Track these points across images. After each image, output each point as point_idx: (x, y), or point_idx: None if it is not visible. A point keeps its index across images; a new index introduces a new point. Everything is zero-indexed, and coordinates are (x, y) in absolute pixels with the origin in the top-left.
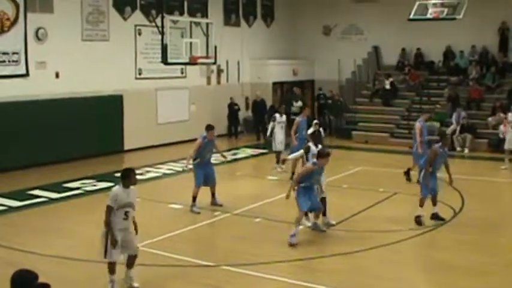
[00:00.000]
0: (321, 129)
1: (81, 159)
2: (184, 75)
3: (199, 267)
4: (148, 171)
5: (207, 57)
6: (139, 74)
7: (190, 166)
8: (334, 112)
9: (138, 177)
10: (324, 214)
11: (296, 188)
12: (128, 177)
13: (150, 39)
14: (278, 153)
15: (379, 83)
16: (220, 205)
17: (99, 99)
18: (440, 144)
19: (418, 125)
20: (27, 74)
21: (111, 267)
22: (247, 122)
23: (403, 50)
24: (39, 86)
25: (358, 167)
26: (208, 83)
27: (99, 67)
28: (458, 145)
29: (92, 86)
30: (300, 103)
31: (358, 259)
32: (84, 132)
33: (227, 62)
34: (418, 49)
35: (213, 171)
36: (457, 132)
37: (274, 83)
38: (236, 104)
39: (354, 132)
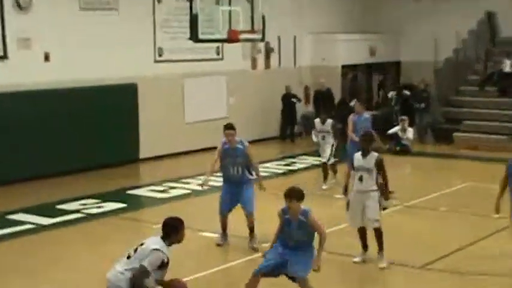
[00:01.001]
0: (409, 128)
1: (81, 172)
2: (220, 56)
3: None
4: (172, 188)
5: (251, 31)
6: (160, 55)
7: (206, 186)
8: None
9: (159, 195)
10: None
11: None
12: (176, 232)
13: (174, 8)
14: (325, 166)
15: (494, 65)
16: (255, 249)
17: (104, 90)
18: None
19: None
20: (4, 56)
21: None
22: (308, 120)
23: None
24: (22, 73)
25: (463, 182)
26: (254, 67)
27: (104, 47)
28: None
29: (95, 73)
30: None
31: None
32: (84, 136)
33: (279, 39)
34: None
35: (244, 192)
36: None
37: (345, 67)
38: (294, 96)
39: (456, 134)
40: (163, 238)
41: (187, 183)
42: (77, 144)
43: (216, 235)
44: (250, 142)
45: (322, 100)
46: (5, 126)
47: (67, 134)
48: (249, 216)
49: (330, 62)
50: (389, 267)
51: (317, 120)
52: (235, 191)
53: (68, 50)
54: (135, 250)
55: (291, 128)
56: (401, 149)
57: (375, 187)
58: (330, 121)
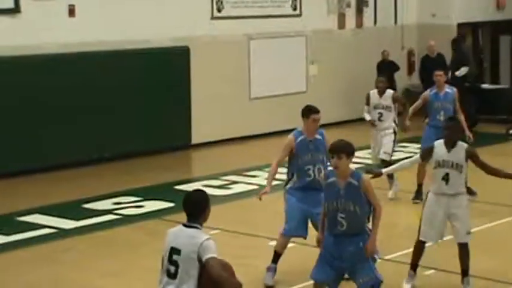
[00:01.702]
0: None
1: (115, 160)
2: (298, 12)
3: None
4: (234, 182)
5: None
6: (219, 10)
7: (266, 192)
8: None
9: (217, 191)
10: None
11: None
12: (204, 210)
13: None
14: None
15: None
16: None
17: (146, 55)
18: None
19: None
20: (17, 10)
21: None
22: (412, 95)
23: None
24: (40, 30)
25: None
26: (341, 26)
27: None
28: None
29: (134, 32)
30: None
31: None
32: (119, 115)
33: None
34: None
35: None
36: None
37: (461, 25)
38: (392, 63)
39: None
40: (194, 223)
41: (253, 176)
42: (110, 126)
43: (292, 244)
44: (336, 124)
45: (432, 69)
46: (16, 101)
47: (96, 112)
48: None
49: (443, 18)
50: None
51: (373, 92)
52: (310, 196)
53: (100, 4)
54: (173, 262)
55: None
56: None
57: (463, 189)
58: (390, 92)
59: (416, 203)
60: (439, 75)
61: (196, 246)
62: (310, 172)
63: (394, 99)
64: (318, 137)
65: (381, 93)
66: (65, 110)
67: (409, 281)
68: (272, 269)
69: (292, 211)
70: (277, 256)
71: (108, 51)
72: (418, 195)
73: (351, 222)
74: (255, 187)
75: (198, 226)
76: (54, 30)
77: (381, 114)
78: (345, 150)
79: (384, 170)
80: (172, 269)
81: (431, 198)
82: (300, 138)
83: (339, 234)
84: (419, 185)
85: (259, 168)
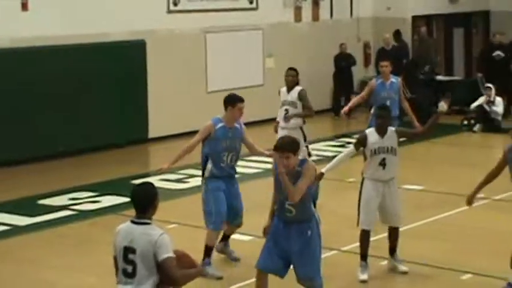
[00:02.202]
0: (497, 98)
1: (72, 155)
2: (254, 5)
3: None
4: (191, 176)
5: None
6: (175, 4)
7: (161, 168)
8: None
9: (174, 185)
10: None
11: None
12: (153, 203)
13: None
14: None
15: None
16: (236, 259)
17: (103, 48)
18: None
19: None
20: None
21: None
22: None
23: None
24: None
25: None
26: (298, 19)
27: None
28: None
29: (91, 26)
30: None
31: None
32: (77, 110)
33: None
34: None
35: (237, 192)
36: None
37: (416, 17)
38: (350, 56)
39: None
40: (143, 219)
41: None
42: (66, 120)
43: (251, 238)
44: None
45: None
46: None
47: (52, 107)
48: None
49: (397, 11)
50: (468, 277)
51: (284, 88)
52: (227, 186)
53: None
54: (130, 262)
55: (346, 98)
56: (489, 126)
57: (396, 173)
58: (298, 88)
59: None
60: (385, 65)
61: (151, 244)
62: (225, 158)
63: (300, 97)
64: (237, 125)
65: (289, 88)
66: (18, 106)
67: (363, 271)
68: (209, 263)
69: (218, 204)
70: (210, 250)
71: (64, 46)
72: None
73: (298, 209)
74: None
75: (148, 221)
76: (7, 23)
77: (286, 111)
78: (291, 148)
79: (323, 170)
80: (129, 268)
81: (368, 185)
82: (219, 125)
83: (287, 221)
84: None
85: None
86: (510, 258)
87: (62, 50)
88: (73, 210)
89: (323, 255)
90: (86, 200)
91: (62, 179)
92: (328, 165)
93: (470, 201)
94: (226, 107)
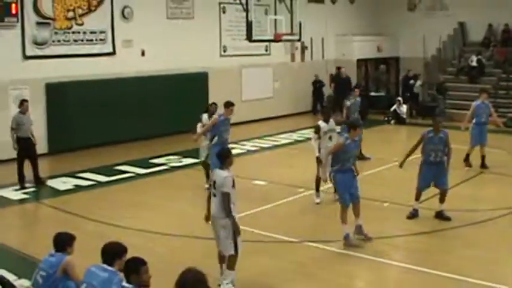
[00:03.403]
0: (403, 105)
1: (166, 136)
2: (268, 52)
3: (283, 243)
4: (233, 148)
5: (291, 34)
6: (224, 51)
7: (195, 137)
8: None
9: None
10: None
11: (332, 174)
12: (227, 158)
13: (234, 17)
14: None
15: (464, 60)
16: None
17: (184, 76)
18: (430, 129)
19: (473, 103)
20: (114, 53)
21: (235, 261)
22: (332, 99)
23: (490, 26)
24: (126, 64)
25: None
26: (293, 60)
27: (184, 45)
28: None
29: (177, 64)
30: (419, 82)
31: (442, 238)
32: (169, 110)
33: (311, 39)
34: (506, 25)
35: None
36: None
37: (359, 60)
38: (321, 82)
39: (438, 110)
40: (221, 166)
41: (244, 144)
42: (164, 116)
43: (265, 183)
44: (288, 115)
45: (342, 85)
46: (112, 103)
47: (157, 108)
48: None
49: (348, 56)
50: (389, 205)
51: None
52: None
53: (159, 48)
54: (214, 187)
55: (320, 104)
56: (399, 120)
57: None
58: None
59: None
60: (357, 92)
61: (221, 178)
62: (225, 135)
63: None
64: (229, 117)
65: (210, 114)
66: (138, 106)
67: (317, 197)
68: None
69: (212, 156)
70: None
71: (163, 75)
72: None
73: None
74: (245, 151)
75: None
76: (133, 63)
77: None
78: None
79: (317, 155)
80: (214, 192)
81: (323, 152)
82: (221, 118)
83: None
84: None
85: (247, 140)
86: (415, 193)
87: (162, 77)
88: (169, 166)
89: None
90: (175, 160)
91: (161, 149)
92: (316, 151)
93: (401, 165)
94: (226, 108)
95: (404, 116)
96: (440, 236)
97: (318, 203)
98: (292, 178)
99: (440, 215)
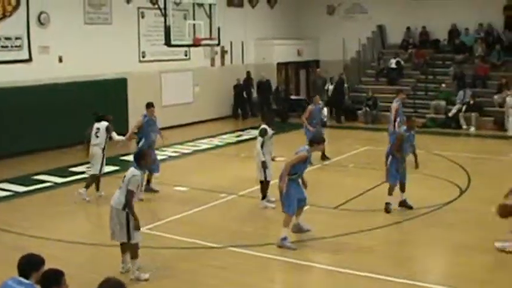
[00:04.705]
0: (325, 108)
1: (86, 143)
2: (188, 57)
3: (206, 249)
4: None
5: (210, 38)
6: (143, 56)
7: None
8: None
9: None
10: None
11: (284, 183)
12: (144, 160)
13: (153, 22)
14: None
15: (384, 62)
16: (156, 191)
17: (103, 82)
18: (406, 127)
19: (394, 105)
20: (30, 59)
21: (137, 250)
22: (253, 104)
23: (408, 28)
24: (42, 71)
25: (365, 146)
26: (212, 64)
27: (102, 51)
28: (465, 123)
29: (96, 70)
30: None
31: (364, 239)
32: (89, 116)
33: (231, 43)
34: (423, 27)
35: (156, 157)
36: (463, 110)
37: (279, 64)
38: (242, 85)
39: (359, 112)
40: (137, 166)
41: (164, 150)
42: (83, 123)
43: (186, 189)
44: (209, 120)
45: (263, 89)
46: (30, 111)
47: (76, 115)
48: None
49: (269, 60)
50: (313, 208)
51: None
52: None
53: (76, 54)
54: (123, 181)
55: (241, 109)
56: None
57: None
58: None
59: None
60: (317, 98)
61: (129, 176)
62: (153, 137)
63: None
64: (154, 118)
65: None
66: (56, 113)
67: (270, 201)
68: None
69: None
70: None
71: (81, 81)
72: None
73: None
74: (165, 157)
75: (138, 168)
76: (50, 70)
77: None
78: None
79: (263, 159)
80: (121, 184)
81: (267, 156)
82: (147, 118)
83: None
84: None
85: (168, 146)
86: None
87: (80, 83)
88: (88, 174)
89: None
90: None
91: (81, 156)
92: (259, 157)
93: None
94: (148, 108)
95: (325, 119)
96: (364, 235)
97: (274, 207)
98: (213, 183)
99: (404, 204)
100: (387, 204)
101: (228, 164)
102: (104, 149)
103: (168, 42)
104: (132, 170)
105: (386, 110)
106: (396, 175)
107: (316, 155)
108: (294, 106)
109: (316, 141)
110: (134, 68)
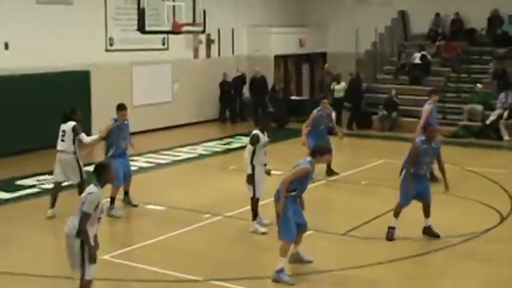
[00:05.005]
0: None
1: (38, 150)
2: (166, 46)
3: (184, 282)
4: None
5: (193, 24)
6: (111, 45)
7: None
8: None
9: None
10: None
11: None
12: (105, 174)
13: (123, 2)
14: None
15: (406, 57)
16: (135, 205)
17: (60, 76)
18: (423, 138)
19: (426, 107)
20: None
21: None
22: (244, 104)
23: (437, 15)
24: None
25: (381, 159)
26: (196, 56)
27: (59, 37)
28: (506, 133)
29: (51, 61)
30: (343, 84)
31: (379, 273)
32: (41, 118)
33: (219, 31)
34: (456, 14)
35: (129, 164)
36: (505, 117)
37: (277, 57)
38: (230, 83)
39: (375, 117)
40: (96, 182)
41: (136, 161)
42: (35, 126)
43: (162, 208)
44: (191, 124)
45: (257, 86)
46: None
47: (26, 117)
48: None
49: (264, 52)
50: (315, 234)
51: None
52: (124, 161)
53: (27, 40)
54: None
55: (229, 111)
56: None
57: None
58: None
59: None
60: (325, 102)
61: (85, 194)
62: (123, 145)
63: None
64: (126, 122)
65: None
66: (1, 114)
67: (262, 225)
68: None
69: (117, 169)
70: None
71: (33, 74)
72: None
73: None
74: (136, 168)
75: (98, 185)
76: None
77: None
78: None
79: (249, 173)
80: (79, 205)
81: (259, 168)
82: (117, 123)
83: None
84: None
85: (139, 155)
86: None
87: (31, 76)
88: (40, 188)
89: None
90: (48, 181)
91: (31, 167)
92: (247, 166)
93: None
94: (119, 112)
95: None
96: (377, 269)
97: (264, 233)
98: (195, 201)
99: (429, 231)
100: (390, 229)
101: (213, 177)
102: (75, 153)
103: (141, 28)
104: (90, 187)
105: (407, 115)
106: (407, 195)
107: (320, 169)
108: (295, 109)
109: (319, 151)
110: (99, 59)
